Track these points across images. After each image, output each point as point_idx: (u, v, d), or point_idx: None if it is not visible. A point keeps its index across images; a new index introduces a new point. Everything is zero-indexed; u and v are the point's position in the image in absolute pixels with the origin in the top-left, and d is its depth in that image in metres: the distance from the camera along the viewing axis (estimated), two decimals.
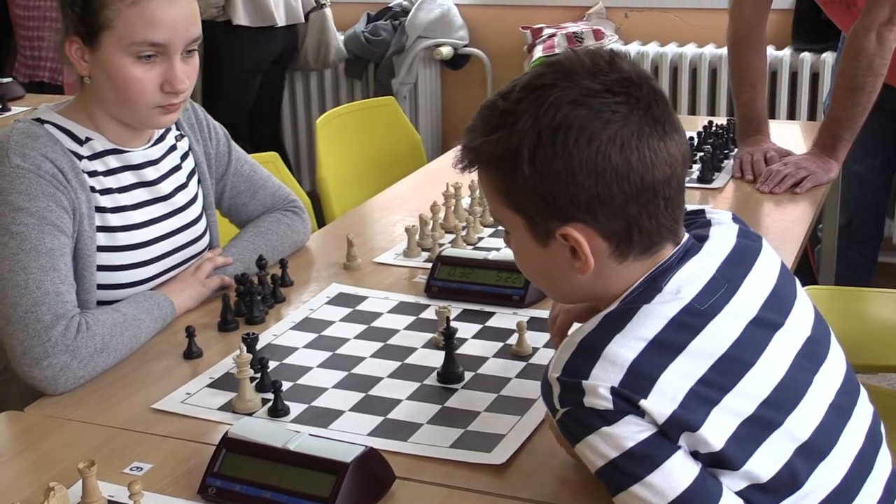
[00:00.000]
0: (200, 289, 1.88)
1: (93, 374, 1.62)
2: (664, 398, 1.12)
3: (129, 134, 1.82)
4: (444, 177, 2.56)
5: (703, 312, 1.16)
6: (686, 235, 1.24)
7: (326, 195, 2.81)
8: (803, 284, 1.35)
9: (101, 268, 1.77)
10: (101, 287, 1.77)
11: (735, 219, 1.31)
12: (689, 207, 1.30)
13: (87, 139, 1.77)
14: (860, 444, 1.25)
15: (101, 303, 1.76)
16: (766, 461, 1.16)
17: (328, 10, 4.39)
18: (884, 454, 1.29)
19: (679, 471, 1.13)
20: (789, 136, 2.84)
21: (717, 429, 1.14)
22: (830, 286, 2.96)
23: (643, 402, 1.11)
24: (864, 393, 1.30)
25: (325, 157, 2.86)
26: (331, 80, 4.61)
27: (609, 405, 1.12)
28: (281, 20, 4.15)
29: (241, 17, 4.07)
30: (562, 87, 1.16)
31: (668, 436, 1.13)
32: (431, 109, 4.56)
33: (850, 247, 3.13)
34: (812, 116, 3.95)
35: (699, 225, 1.28)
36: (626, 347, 1.13)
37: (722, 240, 1.25)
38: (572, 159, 1.14)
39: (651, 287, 1.18)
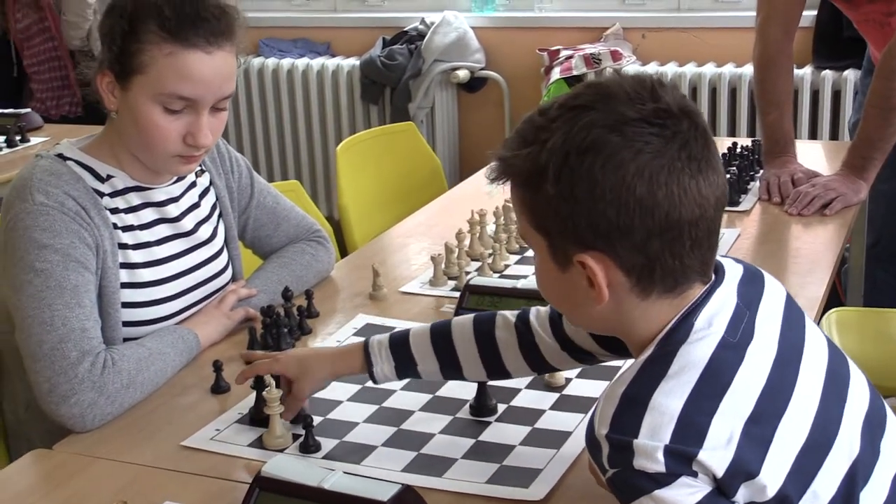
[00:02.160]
0: (225, 321, 1.86)
1: (120, 411, 1.59)
2: (719, 445, 1.08)
3: (150, 172, 1.80)
4: (467, 202, 2.55)
5: (736, 345, 1.13)
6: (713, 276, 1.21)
7: (348, 222, 2.79)
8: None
9: (125, 304, 1.75)
10: (126, 324, 1.75)
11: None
12: None
13: (109, 176, 1.76)
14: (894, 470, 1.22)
15: (126, 339, 1.74)
16: (825, 488, 1.13)
17: None
18: None
19: None
20: (812, 155, 2.80)
21: (776, 468, 1.10)
22: (859, 308, 2.92)
23: (701, 456, 1.07)
24: (890, 414, 1.27)
25: (345, 184, 2.84)
26: (346, 105, 4.60)
27: (661, 468, 1.07)
28: None
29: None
30: (598, 110, 1.13)
31: (726, 491, 1.09)
32: (449, 133, 4.54)
33: (878, 267, 3.08)
34: (834, 136, 3.91)
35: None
36: (672, 395, 1.09)
37: (731, 267, 1.23)
38: (596, 185, 1.11)
39: (683, 325, 1.15)
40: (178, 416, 1.61)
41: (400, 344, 1.51)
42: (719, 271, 1.21)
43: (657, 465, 1.07)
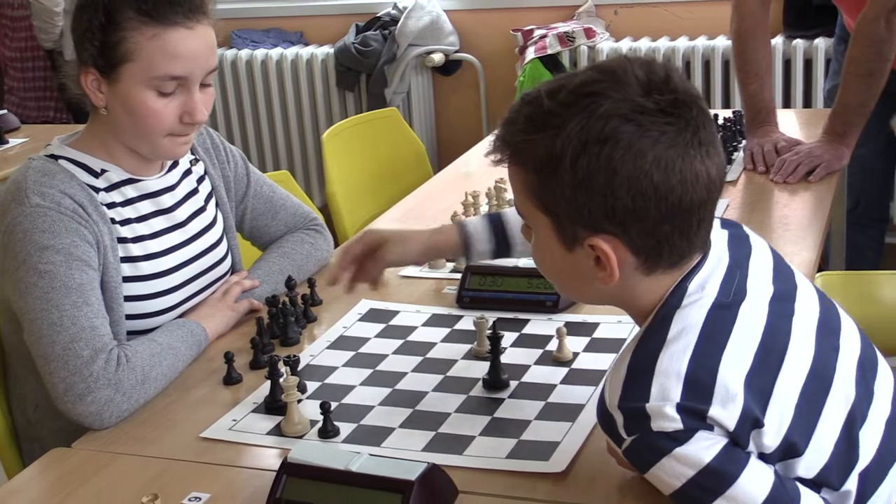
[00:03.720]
0: (230, 313, 1.87)
1: (136, 407, 1.61)
2: (727, 399, 1.12)
3: (144, 163, 1.81)
4: (456, 185, 2.59)
5: (730, 304, 1.18)
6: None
7: (337, 209, 2.80)
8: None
9: (128, 298, 1.76)
10: (129, 317, 1.76)
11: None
12: None
13: (103, 171, 1.76)
14: (889, 404, 1.27)
15: (130, 333, 1.76)
16: (827, 433, 1.18)
17: None
18: None
19: (757, 478, 1.13)
20: (787, 124, 2.84)
21: (779, 416, 1.15)
22: (842, 271, 2.97)
23: (711, 412, 1.11)
24: (880, 356, 1.32)
25: (333, 172, 2.85)
26: (322, 93, 4.60)
27: (679, 425, 1.12)
28: None
29: (71, 53, 4.03)
30: (614, 99, 1.15)
31: (739, 442, 1.14)
32: (426, 117, 4.55)
33: (857, 231, 3.14)
34: (808, 104, 3.96)
35: None
36: (675, 358, 1.14)
37: (716, 229, 1.27)
38: (615, 174, 1.14)
39: (678, 291, 1.19)
40: (193, 409, 1.62)
41: (499, 223, 1.68)
42: None
43: (675, 423, 1.12)
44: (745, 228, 1.32)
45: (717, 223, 1.28)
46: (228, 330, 1.87)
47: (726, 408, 1.12)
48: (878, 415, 1.25)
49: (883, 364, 1.31)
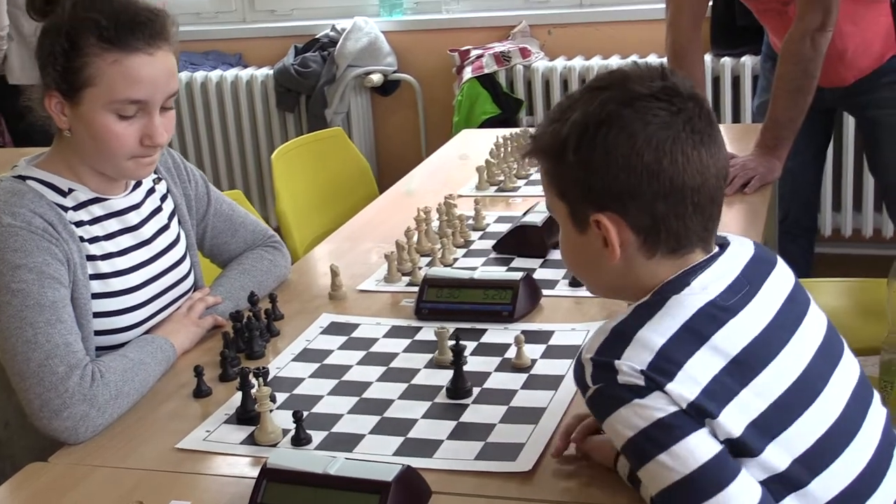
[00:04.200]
0: (196, 329, 1.92)
1: (110, 421, 1.65)
2: (688, 382, 1.20)
3: (109, 183, 1.85)
4: (400, 204, 2.67)
5: (727, 308, 1.26)
6: (717, 248, 1.34)
7: (287, 227, 2.85)
8: None
9: (97, 314, 1.80)
10: (98, 333, 1.80)
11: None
12: None
13: (70, 190, 1.80)
14: (875, 444, 1.32)
15: (99, 348, 1.79)
16: (780, 454, 1.23)
17: None
18: None
19: (703, 445, 1.20)
20: None
21: (734, 419, 1.22)
22: None
23: (669, 386, 1.20)
24: (876, 396, 1.39)
25: (282, 191, 2.91)
26: (262, 114, 4.64)
27: (640, 382, 1.21)
28: None
29: (17, 77, 4.06)
30: (614, 90, 1.28)
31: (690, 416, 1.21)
32: (365, 136, 4.62)
33: (788, 240, 3.26)
34: (736, 118, 4.10)
35: (718, 239, 1.37)
36: (656, 333, 1.23)
37: (743, 247, 1.36)
38: (609, 152, 1.26)
39: (680, 282, 1.28)
40: (165, 422, 1.66)
41: None
42: (725, 246, 1.34)
43: (638, 380, 1.21)
44: (778, 257, 1.40)
45: (750, 246, 1.36)
46: (193, 346, 1.91)
47: (683, 390, 1.20)
48: (864, 442, 1.31)
49: (877, 400, 1.38)
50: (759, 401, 1.24)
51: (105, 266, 1.82)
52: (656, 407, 1.20)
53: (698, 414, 1.21)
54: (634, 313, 1.27)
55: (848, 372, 1.35)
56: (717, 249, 1.34)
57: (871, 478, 1.30)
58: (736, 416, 1.22)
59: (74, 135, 1.77)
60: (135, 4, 1.75)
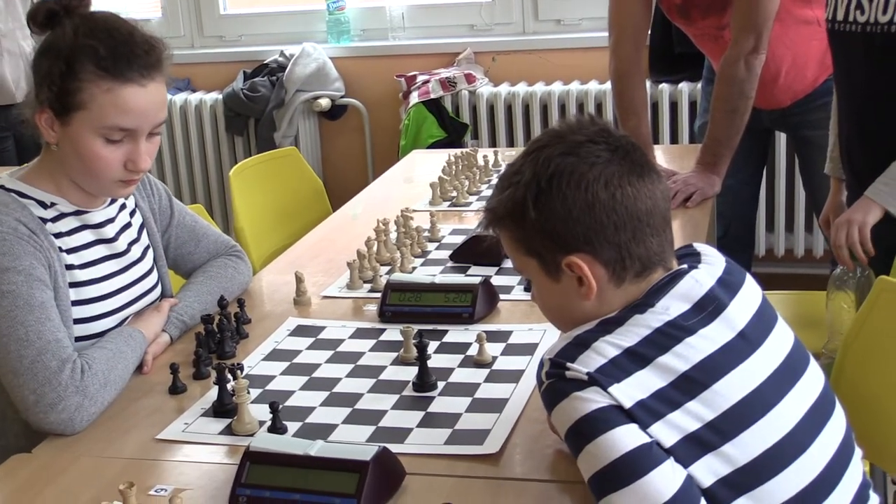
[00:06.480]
0: (157, 314, 1.99)
1: (101, 409, 1.72)
2: (629, 390, 1.30)
3: (89, 197, 1.92)
4: (347, 227, 2.76)
5: (685, 328, 1.34)
6: (676, 265, 1.43)
7: (245, 243, 2.92)
8: None
9: (75, 321, 1.86)
10: (76, 339, 1.86)
11: (720, 251, 1.51)
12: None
13: (52, 203, 1.87)
14: (828, 457, 1.39)
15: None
16: (742, 448, 1.31)
17: None
18: (854, 468, 1.43)
19: (628, 436, 1.28)
20: (658, 158, 3.09)
21: (669, 430, 1.29)
22: None
23: (610, 388, 1.29)
24: (838, 408, 1.46)
25: (240, 208, 2.98)
26: (211, 138, 4.71)
27: (584, 378, 1.30)
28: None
29: None
30: (554, 145, 1.40)
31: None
32: (313, 160, 4.69)
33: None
34: (674, 140, 4.25)
35: (690, 255, 1.47)
36: (612, 346, 1.33)
37: (713, 266, 1.44)
38: (567, 199, 1.37)
39: (644, 303, 1.38)
40: (144, 416, 1.73)
41: None
42: (697, 261, 1.44)
43: (583, 377, 1.31)
44: (748, 274, 1.48)
45: (721, 264, 1.45)
46: (159, 335, 1.97)
47: (621, 395, 1.29)
48: (815, 455, 1.37)
49: (838, 413, 1.45)
50: (684, 426, 1.30)
51: (82, 275, 1.89)
52: (592, 399, 1.30)
53: (629, 418, 1.29)
54: (600, 325, 1.37)
55: (809, 387, 1.42)
56: (683, 266, 1.42)
57: (815, 493, 1.36)
58: (667, 432, 1.29)
59: (61, 150, 1.84)
60: (133, 34, 1.82)
